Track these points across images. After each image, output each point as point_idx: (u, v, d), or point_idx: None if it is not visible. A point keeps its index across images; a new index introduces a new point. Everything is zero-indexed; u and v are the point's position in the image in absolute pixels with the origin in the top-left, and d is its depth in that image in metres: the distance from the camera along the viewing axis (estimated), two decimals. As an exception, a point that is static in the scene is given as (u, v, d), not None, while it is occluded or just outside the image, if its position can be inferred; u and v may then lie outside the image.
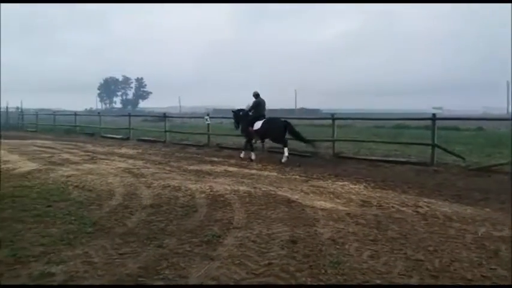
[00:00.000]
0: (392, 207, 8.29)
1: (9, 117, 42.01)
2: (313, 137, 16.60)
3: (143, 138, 23.04)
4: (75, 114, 34.67)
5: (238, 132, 16.66)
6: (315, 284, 5.16)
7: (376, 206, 8.40)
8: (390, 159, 14.29)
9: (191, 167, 12.97)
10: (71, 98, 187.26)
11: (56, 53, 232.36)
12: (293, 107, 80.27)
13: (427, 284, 5.16)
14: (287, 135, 15.10)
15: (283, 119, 15.52)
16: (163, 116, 24.12)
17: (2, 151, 16.67)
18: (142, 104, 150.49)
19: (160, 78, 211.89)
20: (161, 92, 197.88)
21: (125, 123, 27.39)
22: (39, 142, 22.23)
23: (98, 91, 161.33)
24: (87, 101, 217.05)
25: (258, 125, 15.63)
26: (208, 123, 19.91)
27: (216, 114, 31.92)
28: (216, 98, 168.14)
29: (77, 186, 9.89)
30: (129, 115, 26.92)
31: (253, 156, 15.52)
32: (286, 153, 14.74)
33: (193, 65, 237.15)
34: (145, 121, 44.89)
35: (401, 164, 13.49)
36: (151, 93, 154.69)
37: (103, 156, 15.43)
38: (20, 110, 44.73)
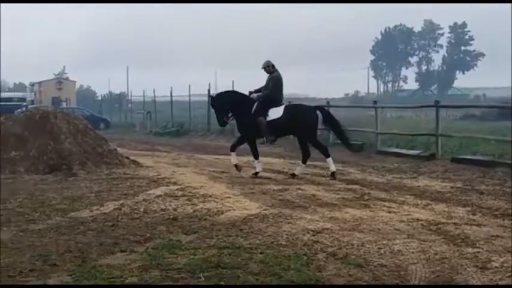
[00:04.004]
0: None
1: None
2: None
3: (466, 156, 14.93)
4: (327, 105, 22.08)
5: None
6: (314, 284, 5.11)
7: None
8: None
9: None
10: (309, 73, 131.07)
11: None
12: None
13: (427, 284, 5.25)
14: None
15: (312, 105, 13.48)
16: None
17: (202, 177, 12.58)
18: (463, 81, 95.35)
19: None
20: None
21: (426, 123, 20.60)
22: (260, 160, 14.40)
23: (372, 57, 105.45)
24: (348, 80, 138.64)
25: (275, 113, 12.35)
26: None
27: None
28: None
29: (333, 255, 6.19)
30: (436, 106, 16.36)
31: (259, 168, 12.53)
32: (332, 165, 12.28)
33: None
34: (467, 118, 31.09)
35: None
36: (482, 56, 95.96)
37: (382, 194, 10.48)
38: None
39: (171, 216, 8.15)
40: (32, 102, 50.48)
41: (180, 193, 10.15)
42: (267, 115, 12.46)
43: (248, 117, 12.56)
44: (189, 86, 37.56)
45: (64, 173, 12.54)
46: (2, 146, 13.57)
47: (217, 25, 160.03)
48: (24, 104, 39.51)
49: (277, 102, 12.68)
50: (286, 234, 7.17)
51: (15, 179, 12.13)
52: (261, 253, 6.27)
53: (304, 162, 12.66)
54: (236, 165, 12.69)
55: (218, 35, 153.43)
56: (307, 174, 13.11)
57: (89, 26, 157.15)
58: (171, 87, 39.99)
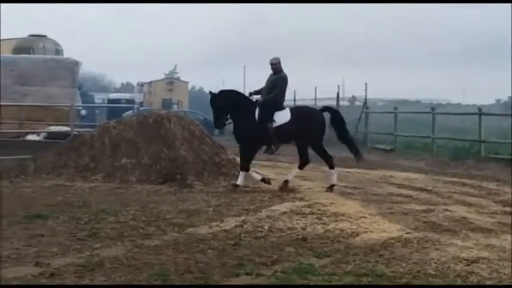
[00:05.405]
0: None
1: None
2: None
3: None
4: (480, 112, 21.72)
5: None
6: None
7: None
8: None
9: None
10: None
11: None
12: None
13: (427, 284, 5.74)
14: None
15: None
16: None
17: (332, 192, 12.52)
18: None
19: None
20: None
21: None
22: (399, 175, 15.88)
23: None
24: (499, 84, 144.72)
25: (281, 117, 12.38)
26: None
27: None
28: None
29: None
30: None
31: (241, 180, 12.41)
32: (335, 179, 12.55)
33: None
34: None
35: None
36: None
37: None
38: (363, 106, 31.43)
39: (300, 236, 8.18)
40: (141, 104, 51.31)
41: (307, 210, 10.18)
42: (274, 121, 12.41)
43: (251, 123, 12.45)
44: (315, 88, 37.19)
45: (178, 183, 12.82)
46: (112, 152, 14.04)
47: (344, 22, 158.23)
48: (136, 106, 40.24)
49: (280, 106, 12.67)
50: (435, 263, 7.04)
51: (127, 188, 12.58)
52: (407, 283, 6.15)
53: (300, 168, 12.86)
54: (263, 179, 12.75)
55: (342, 32, 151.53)
56: (455, 192, 12.71)
57: (202, 26, 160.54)
58: (294, 91, 39.61)
